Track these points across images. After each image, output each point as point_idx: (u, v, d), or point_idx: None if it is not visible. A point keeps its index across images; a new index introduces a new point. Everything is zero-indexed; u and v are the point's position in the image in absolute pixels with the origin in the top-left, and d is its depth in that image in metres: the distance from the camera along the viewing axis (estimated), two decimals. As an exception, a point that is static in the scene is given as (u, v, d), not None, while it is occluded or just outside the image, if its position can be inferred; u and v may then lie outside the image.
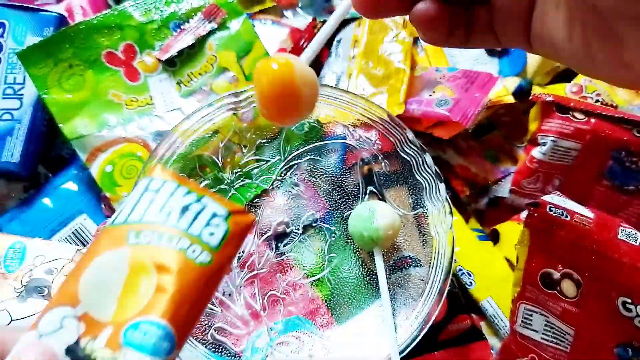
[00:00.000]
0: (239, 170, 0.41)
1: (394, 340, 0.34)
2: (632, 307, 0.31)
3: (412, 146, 0.38)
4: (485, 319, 0.43)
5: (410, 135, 0.38)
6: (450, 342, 0.41)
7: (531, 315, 0.35)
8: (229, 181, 0.41)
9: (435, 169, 0.38)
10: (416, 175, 0.39)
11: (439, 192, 0.37)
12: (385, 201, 0.40)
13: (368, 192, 0.41)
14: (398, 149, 0.39)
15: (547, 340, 0.34)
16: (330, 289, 0.39)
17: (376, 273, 0.39)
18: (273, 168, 0.41)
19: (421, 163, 0.38)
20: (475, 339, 0.41)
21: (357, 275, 0.40)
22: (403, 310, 0.38)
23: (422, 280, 0.38)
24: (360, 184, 0.41)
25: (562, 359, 0.34)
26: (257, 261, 0.40)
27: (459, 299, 0.42)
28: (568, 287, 0.34)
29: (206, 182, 0.40)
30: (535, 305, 0.35)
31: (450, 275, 0.37)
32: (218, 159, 0.40)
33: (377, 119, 0.39)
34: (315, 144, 0.42)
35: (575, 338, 0.33)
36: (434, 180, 0.38)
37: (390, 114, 0.39)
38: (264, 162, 0.42)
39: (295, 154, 0.41)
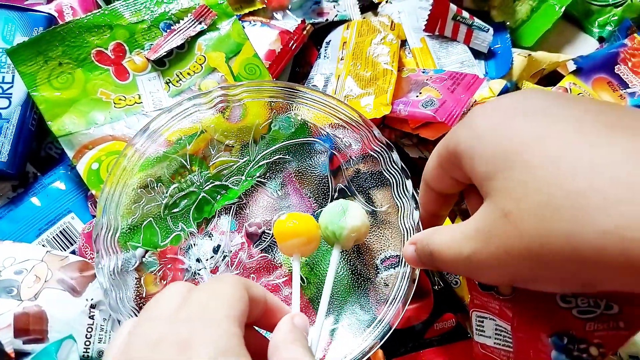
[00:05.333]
0: (207, 172, 0.41)
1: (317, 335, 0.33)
2: (571, 298, 0.29)
3: (379, 143, 0.40)
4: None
5: (377, 132, 0.40)
6: (435, 341, 0.41)
7: (482, 322, 0.34)
8: (199, 184, 0.41)
9: (402, 165, 0.39)
10: (384, 172, 0.40)
11: (406, 189, 0.39)
12: (362, 202, 0.41)
13: (347, 197, 0.41)
14: (367, 149, 0.40)
15: (498, 344, 0.33)
16: (315, 290, 0.40)
17: (362, 275, 0.40)
18: (244, 168, 0.42)
19: (388, 160, 0.40)
20: (460, 337, 0.41)
21: (342, 278, 0.40)
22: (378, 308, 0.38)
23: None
24: (331, 185, 0.42)
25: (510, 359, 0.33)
26: (243, 257, 0.40)
27: (444, 297, 0.42)
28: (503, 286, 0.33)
29: (175, 186, 0.40)
30: (482, 310, 0.34)
31: (417, 277, 0.37)
32: (186, 161, 0.41)
33: (353, 121, 0.40)
34: (298, 141, 0.42)
35: (512, 333, 0.32)
36: (401, 177, 0.39)
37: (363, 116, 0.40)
38: (234, 163, 0.42)
39: (263, 153, 0.42)
